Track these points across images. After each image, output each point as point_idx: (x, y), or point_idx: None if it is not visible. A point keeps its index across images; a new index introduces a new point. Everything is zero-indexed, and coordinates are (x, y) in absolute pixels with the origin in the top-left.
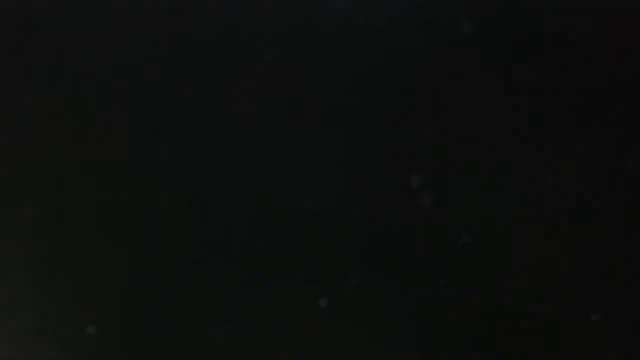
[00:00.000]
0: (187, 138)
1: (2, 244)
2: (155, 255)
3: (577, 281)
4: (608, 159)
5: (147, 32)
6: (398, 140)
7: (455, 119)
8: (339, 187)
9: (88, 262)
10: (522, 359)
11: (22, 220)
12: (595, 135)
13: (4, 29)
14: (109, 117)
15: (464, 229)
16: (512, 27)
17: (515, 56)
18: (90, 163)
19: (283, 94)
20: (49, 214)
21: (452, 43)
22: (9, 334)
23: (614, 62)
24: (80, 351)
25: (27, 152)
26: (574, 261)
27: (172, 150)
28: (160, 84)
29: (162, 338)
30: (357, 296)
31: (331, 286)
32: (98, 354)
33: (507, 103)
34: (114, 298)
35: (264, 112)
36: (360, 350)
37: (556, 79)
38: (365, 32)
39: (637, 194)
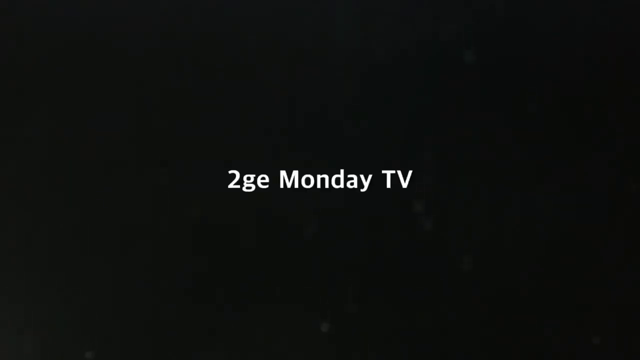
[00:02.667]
0: (186, 161)
1: (2, 268)
2: (155, 281)
3: (579, 303)
4: (611, 183)
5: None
6: (399, 162)
7: (458, 142)
8: (340, 211)
9: (87, 287)
10: None
11: (22, 245)
12: (597, 160)
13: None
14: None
15: (466, 253)
16: (515, 56)
17: (517, 82)
18: (91, 186)
19: (282, 124)
20: (49, 238)
21: (454, 71)
22: None
23: (616, 92)
24: None
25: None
26: (576, 283)
27: (171, 174)
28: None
29: None
30: (356, 321)
31: (330, 311)
32: None
33: (510, 126)
34: (112, 323)
35: (265, 137)
36: None
37: (558, 103)
38: (365, 62)
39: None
